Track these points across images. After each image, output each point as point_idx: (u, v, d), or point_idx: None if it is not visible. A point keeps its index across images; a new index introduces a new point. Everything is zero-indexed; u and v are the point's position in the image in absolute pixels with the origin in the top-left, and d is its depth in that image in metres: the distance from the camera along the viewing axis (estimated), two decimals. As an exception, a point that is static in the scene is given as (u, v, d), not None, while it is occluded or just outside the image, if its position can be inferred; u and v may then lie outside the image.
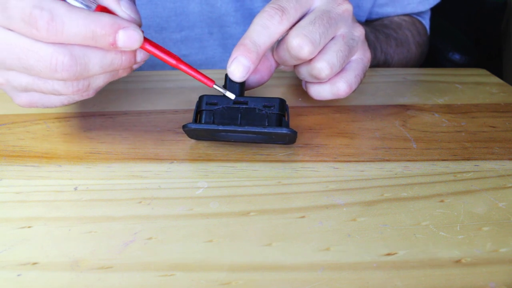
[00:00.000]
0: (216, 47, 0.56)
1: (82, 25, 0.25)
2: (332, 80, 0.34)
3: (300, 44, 0.30)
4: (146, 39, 0.28)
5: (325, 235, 0.25)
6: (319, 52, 0.32)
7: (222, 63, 0.57)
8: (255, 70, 0.33)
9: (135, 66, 0.30)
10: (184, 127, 0.31)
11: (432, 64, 0.78)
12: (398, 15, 0.61)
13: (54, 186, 0.28)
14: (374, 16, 0.61)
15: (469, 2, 1.17)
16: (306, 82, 0.36)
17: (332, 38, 0.33)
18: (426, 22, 0.65)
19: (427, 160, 0.32)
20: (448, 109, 0.40)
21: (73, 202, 0.27)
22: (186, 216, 0.26)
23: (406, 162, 0.32)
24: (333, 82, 0.34)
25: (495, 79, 0.47)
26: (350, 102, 0.41)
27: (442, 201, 0.28)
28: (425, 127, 0.37)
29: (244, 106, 0.31)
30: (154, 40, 0.30)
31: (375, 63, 0.53)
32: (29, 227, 0.25)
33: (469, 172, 0.31)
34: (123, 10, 0.28)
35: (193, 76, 0.30)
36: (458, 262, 0.23)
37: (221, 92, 0.31)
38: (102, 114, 0.37)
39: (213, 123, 0.31)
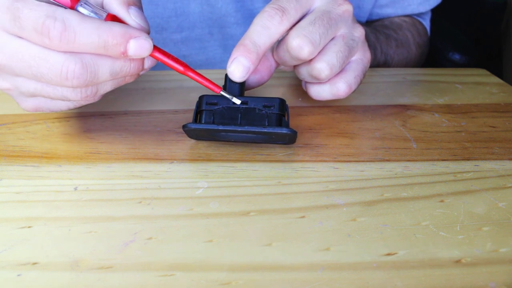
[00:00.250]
0: (217, 48, 0.56)
1: (94, 35, 0.25)
2: (332, 80, 0.34)
3: (300, 45, 0.30)
4: (154, 47, 0.28)
5: (325, 235, 0.25)
6: (319, 52, 0.32)
7: (223, 64, 0.57)
8: (255, 70, 0.33)
9: (141, 73, 0.30)
10: (184, 127, 0.31)
11: (432, 64, 0.78)
12: (398, 16, 0.61)
13: (54, 186, 0.28)
14: (374, 17, 0.61)
15: (469, 2, 1.17)
16: (306, 82, 0.36)
17: (332, 39, 0.33)
18: (426, 23, 0.65)
19: (427, 160, 0.32)
20: (448, 109, 0.40)
21: (73, 202, 0.27)
22: (186, 216, 0.26)
23: (406, 162, 0.32)
24: (333, 83, 0.34)
25: (495, 79, 0.47)
26: (350, 102, 0.41)
27: (442, 201, 0.28)
28: (425, 127, 0.37)
29: (244, 106, 0.31)
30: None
31: (375, 64, 0.53)
32: (29, 227, 0.25)
33: (469, 172, 0.31)
34: (133, 18, 0.28)
35: (201, 83, 0.31)
36: (458, 262, 0.23)
37: (228, 98, 0.31)
38: (102, 114, 0.37)
39: (213, 123, 0.31)
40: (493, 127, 0.37)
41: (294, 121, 0.37)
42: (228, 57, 0.31)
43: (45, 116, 0.37)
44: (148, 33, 0.29)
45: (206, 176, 0.30)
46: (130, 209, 0.27)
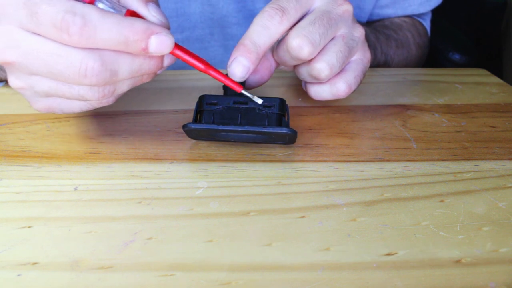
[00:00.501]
0: (218, 48, 0.56)
1: (115, 30, 0.25)
2: (332, 80, 0.34)
3: (300, 45, 0.30)
4: (175, 44, 0.28)
5: (325, 235, 0.25)
6: (319, 52, 0.32)
7: (224, 64, 0.57)
8: (255, 70, 0.33)
9: (159, 71, 0.29)
10: (184, 127, 0.31)
11: (432, 64, 0.78)
12: (398, 17, 0.61)
13: (54, 186, 0.28)
14: (375, 18, 0.61)
15: (469, 2, 1.17)
16: (306, 82, 0.36)
17: (332, 39, 0.33)
18: (426, 23, 0.65)
19: (427, 160, 0.32)
20: (448, 109, 0.40)
21: (73, 202, 0.27)
22: (186, 216, 0.26)
23: (406, 162, 0.32)
24: (332, 83, 0.34)
25: (495, 79, 0.47)
26: (350, 102, 0.41)
27: (442, 201, 0.28)
28: (425, 127, 0.37)
29: (244, 106, 0.31)
30: None
31: (375, 64, 0.53)
32: (29, 227, 0.25)
33: (469, 172, 0.31)
34: (153, 14, 0.28)
35: (222, 81, 0.30)
36: (458, 262, 0.23)
37: (249, 97, 0.31)
38: (102, 114, 0.37)
39: (213, 123, 0.31)
40: (493, 127, 0.37)
41: (294, 121, 0.37)
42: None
43: (45, 116, 0.37)
44: (168, 29, 0.28)
45: (206, 176, 0.30)
46: (130, 209, 0.27)
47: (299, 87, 0.43)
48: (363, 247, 0.24)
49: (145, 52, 0.26)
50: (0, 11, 0.25)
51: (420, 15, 0.63)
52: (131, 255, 0.23)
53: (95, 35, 0.24)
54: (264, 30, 0.30)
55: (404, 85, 0.45)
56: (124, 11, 0.27)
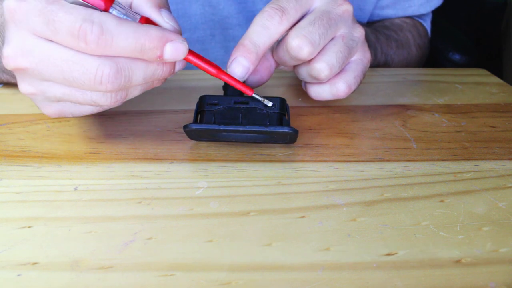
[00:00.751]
0: (219, 49, 0.56)
1: (131, 38, 0.25)
2: (332, 80, 0.34)
3: (299, 45, 0.30)
4: (189, 50, 0.28)
5: (325, 235, 0.25)
6: (319, 52, 0.32)
7: (224, 65, 0.57)
8: (254, 71, 0.33)
9: (170, 76, 0.30)
10: (185, 127, 0.31)
11: (432, 64, 0.78)
12: (399, 17, 0.61)
13: (54, 186, 0.28)
14: (375, 18, 0.61)
15: (469, 2, 1.17)
16: (306, 82, 0.36)
17: (332, 39, 0.33)
18: (427, 24, 0.65)
19: (427, 160, 0.32)
20: (448, 109, 0.40)
21: (73, 202, 0.27)
22: (186, 216, 0.26)
23: (406, 162, 0.32)
24: (332, 83, 0.34)
25: (495, 79, 0.47)
26: (350, 102, 0.41)
27: (442, 201, 0.28)
28: (425, 127, 0.37)
29: (244, 106, 0.31)
30: None
31: (376, 64, 0.53)
32: (29, 227, 0.25)
33: (469, 172, 0.31)
34: (166, 20, 0.28)
35: (234, 86, 0.31)
36: (458, 262, 0.23)
37: (260, 100, 0.31)
38: (102, 114, 0.37)
39: (215, 123, 0.31)
40: (493, 127, 0.37)
41: (294, 121, 0.37)
42: None
43: (45, 116, 0.37)
44: (181, 34, 0.28)
45: (206, 176, 0.30)
46: (130, 209, 0.27)
47: (299, 87, 0.43)
48: (363, 247, 0.24)
49: (160, 60, 0.26)
50: (14, 17, 0.25)
51: (421, 16, 0.63)
52: (131, 255, 0.23)
53: (111, 43, 0.24)
54: (263, 30, 0.30)
55: (404, 85, 0.45)
56: (137, 17, 0.27)
